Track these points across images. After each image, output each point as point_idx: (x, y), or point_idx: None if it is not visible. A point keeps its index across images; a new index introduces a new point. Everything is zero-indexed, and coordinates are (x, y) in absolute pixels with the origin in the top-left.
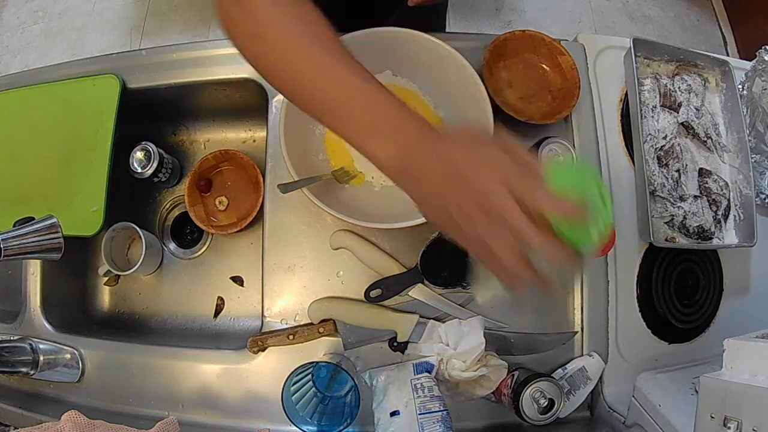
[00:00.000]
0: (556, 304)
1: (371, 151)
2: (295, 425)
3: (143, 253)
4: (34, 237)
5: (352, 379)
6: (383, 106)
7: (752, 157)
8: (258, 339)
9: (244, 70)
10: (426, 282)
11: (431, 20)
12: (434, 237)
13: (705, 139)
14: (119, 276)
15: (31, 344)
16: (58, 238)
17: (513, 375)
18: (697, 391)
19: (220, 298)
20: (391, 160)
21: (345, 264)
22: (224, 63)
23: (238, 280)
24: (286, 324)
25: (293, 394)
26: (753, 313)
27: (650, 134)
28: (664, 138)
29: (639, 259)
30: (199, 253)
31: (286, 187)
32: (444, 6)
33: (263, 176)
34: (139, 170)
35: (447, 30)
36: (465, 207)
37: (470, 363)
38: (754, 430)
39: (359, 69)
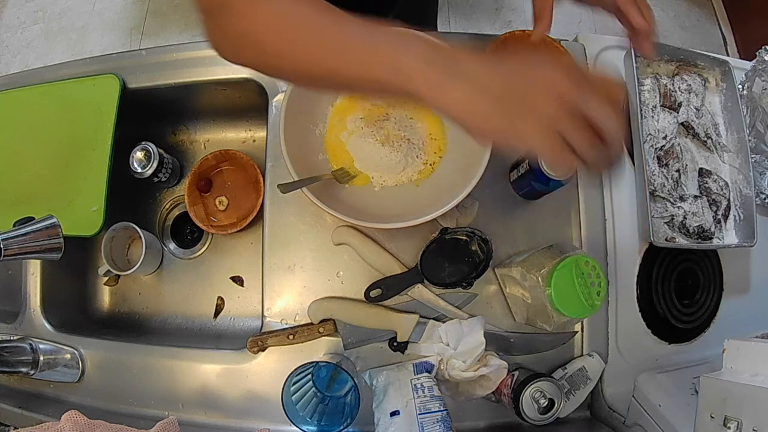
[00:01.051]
0: None
1: (401, 65)
2: (295, 425)
3: (143, 253)
4: (34, 237)
5: (352, 379)
6: (407, 34)
7: (752, 157)
8: (258, 339)
9: (244, 70)
10: (426, 282)
11: (422, 22)
12: (434, 237)
13: (705, 139)
14: (119, 276)
15: (31, 344)
16: (58, 238)
17: (513, 375)
18: (697, 391)
19: (220, 298)
20: (414, 69)
21: (345, 264)
22: (224, 63)
23: (238, 280)
24: (286, 324)
25: (293, 394)
26: (753, 313)
27: (650, 134)
28: (664, 138)
29: (639, 259)
30: (199, 253)
31: (286, 187)
32: (434, 7)
33: (263, 176)
34: (139, 170)
35: (447, 30)
36: (535, 97)
37: (470, 363)
38: (754, 430)
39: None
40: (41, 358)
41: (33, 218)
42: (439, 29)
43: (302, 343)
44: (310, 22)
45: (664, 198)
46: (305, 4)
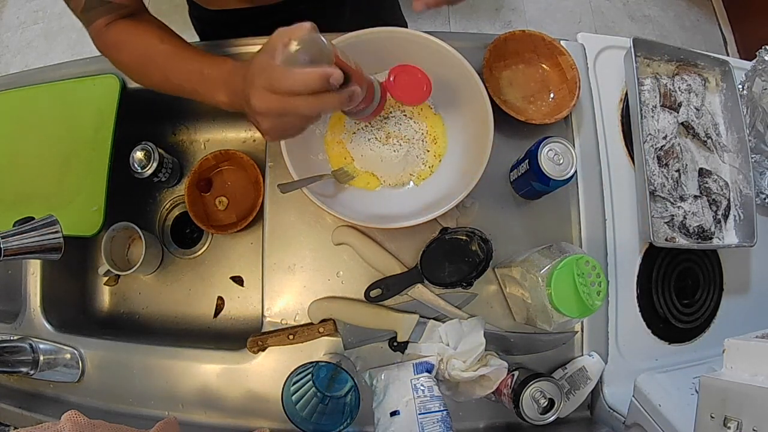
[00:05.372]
0: None
1: (217, 102)
2: (295, 425)
3: (143, 253)
4: (34, 236)
5: (352, 379)
6: (219, 72)
7: (752, 157)
8: (258, 339)
9: None
10: (426, 282)
11: (386, 15)
12: (434, 237)
13: (705, 139)
14: (119, 276)
15: (31, 344)
16: (58, 237)
17: (513, 375)
18: (697, 391)
19: (220, 298)
20: (227, 104)
21: (345, 264)
22: None
23: (238, 280)
24: (286, 324)
25: (293, 394)
26: (753, 313)
27: (650, 134)
28: (664, 138)
29: (639, 259)
30: (199, 253)
31: (285, 187)
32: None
33: (263, 176)
34: (139, 170)
35: (447, 30)
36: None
37: (470, 363)
38: (754, 430)
39: (198, 52)
40: (41, 358)
41: (33, 218)
42: (439, 29)
43: (302, 343)
44: (162, 63)
45: (664, 198)
46: (158, 46)
